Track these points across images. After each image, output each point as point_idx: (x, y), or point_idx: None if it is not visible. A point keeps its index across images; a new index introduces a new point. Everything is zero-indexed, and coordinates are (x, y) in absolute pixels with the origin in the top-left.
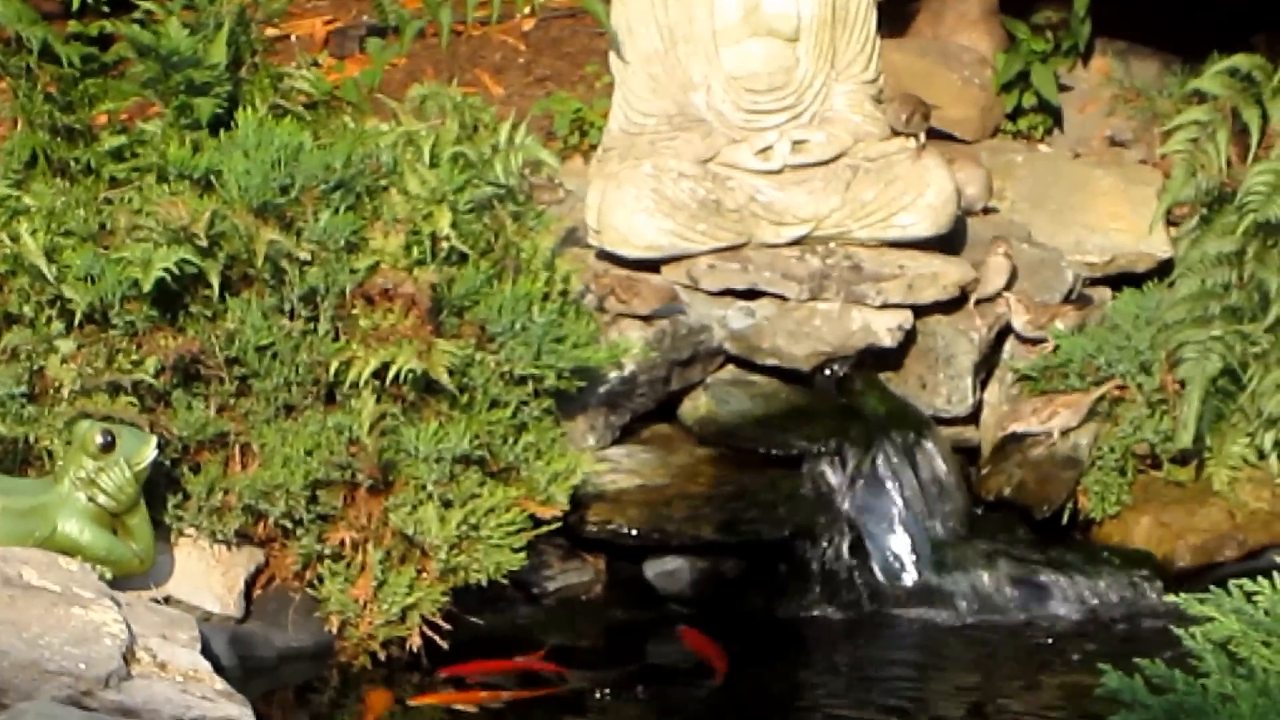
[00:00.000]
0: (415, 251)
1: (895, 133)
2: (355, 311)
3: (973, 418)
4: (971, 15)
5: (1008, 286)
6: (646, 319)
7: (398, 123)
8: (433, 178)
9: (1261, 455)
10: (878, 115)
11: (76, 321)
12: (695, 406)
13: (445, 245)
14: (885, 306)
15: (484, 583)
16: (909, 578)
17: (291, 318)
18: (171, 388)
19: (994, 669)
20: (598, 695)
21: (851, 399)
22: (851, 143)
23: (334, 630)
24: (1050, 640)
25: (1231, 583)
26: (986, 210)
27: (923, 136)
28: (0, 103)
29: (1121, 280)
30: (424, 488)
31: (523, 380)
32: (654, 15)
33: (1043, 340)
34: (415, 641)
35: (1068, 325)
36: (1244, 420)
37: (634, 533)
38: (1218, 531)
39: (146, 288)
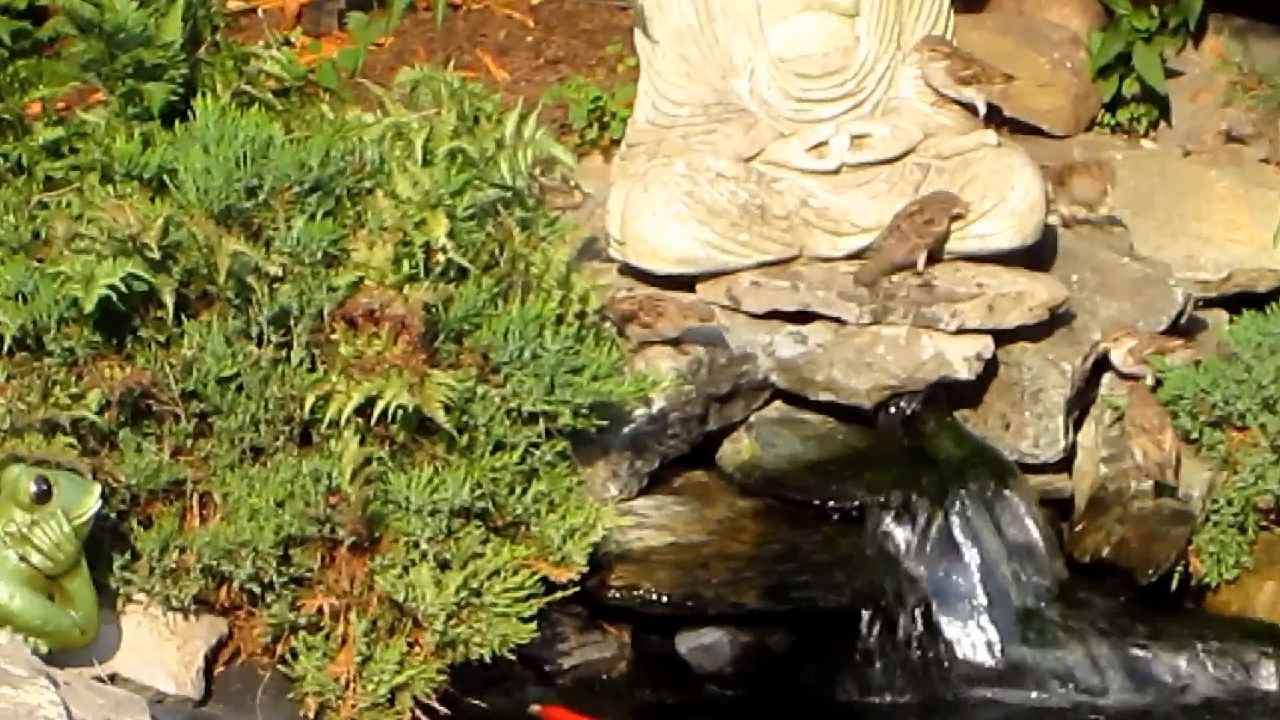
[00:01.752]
0: (406, 266)
1: (941, 95)
2: (335, 336)
3: (1065, 464)
4: None
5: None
6: (676, 343)
7: (384, 113)
8: (426, 178)
9: None
10: (951, 105)
11: (6, 348)
12: (737, 450)
13: (441, 258)
14: (961, 332)
15: (487, 659)
16: (991, 654)
17: (260, 344)
18: (118, 426)
19: None
20: None
21: (922, 441)
22: (921, 137)
23: (310, 715)
24: None
25: None
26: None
27: (982, 107)
28: None
29: (1240, 301)
30: (416, 546)
31: (533, 418)
32: None
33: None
34: None
35: (1179, 362)
36: None
37: (665, 599)
38: None
39: (88, 308)
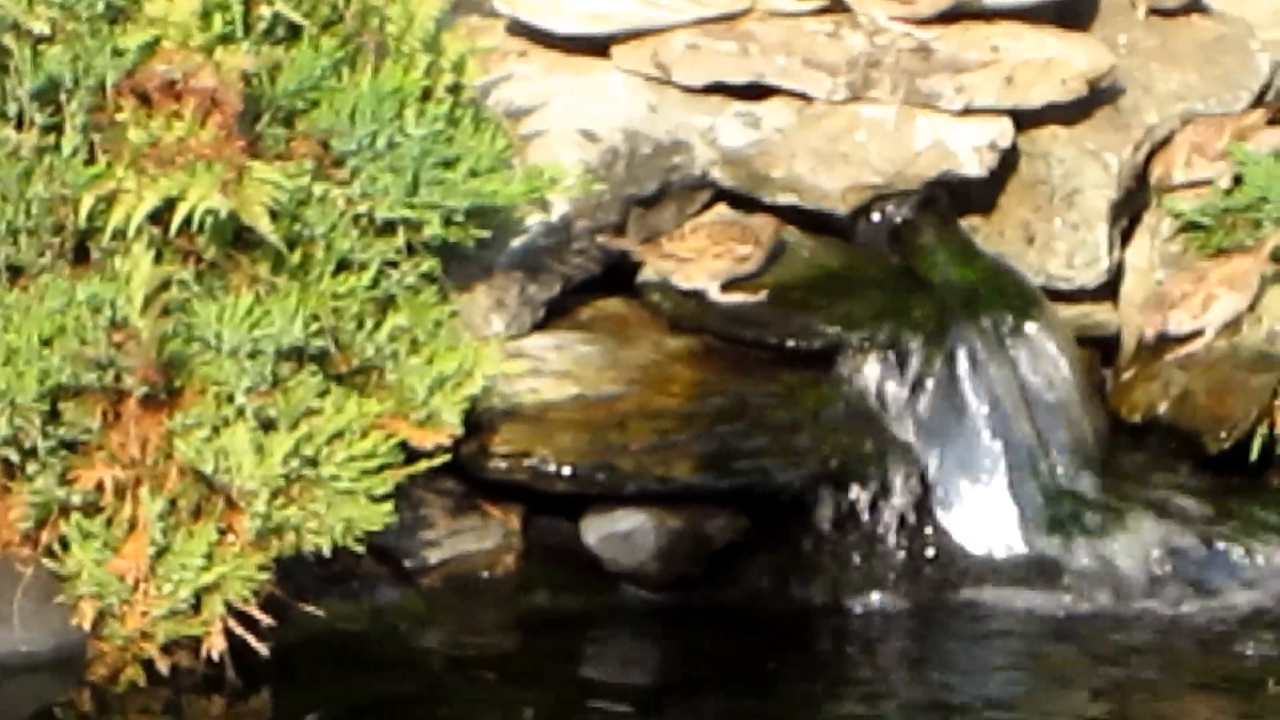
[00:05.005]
0: (217, 21)
1: None
2: (122, 117)
3: (1109, 290)
4: None
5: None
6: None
7: None
8: None
9: None
10: None
11: None
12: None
13: (265, 11)
14: (969, 112)
15: (326, 551)
16: (1006, 546)
17: (19, 126)
18: None
19: (1136, 682)
20: None
21: (915, 260)
22: None
23: (85, 624)
24: (1222, 639)
25: None
26: None
27: None
28: None
29: None
30: (230, 399)
31: (389, 228)
32: None
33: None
34: (216, 645)
35: (1260, 149)
36: None
37: (567, 472)
38: None
39: None
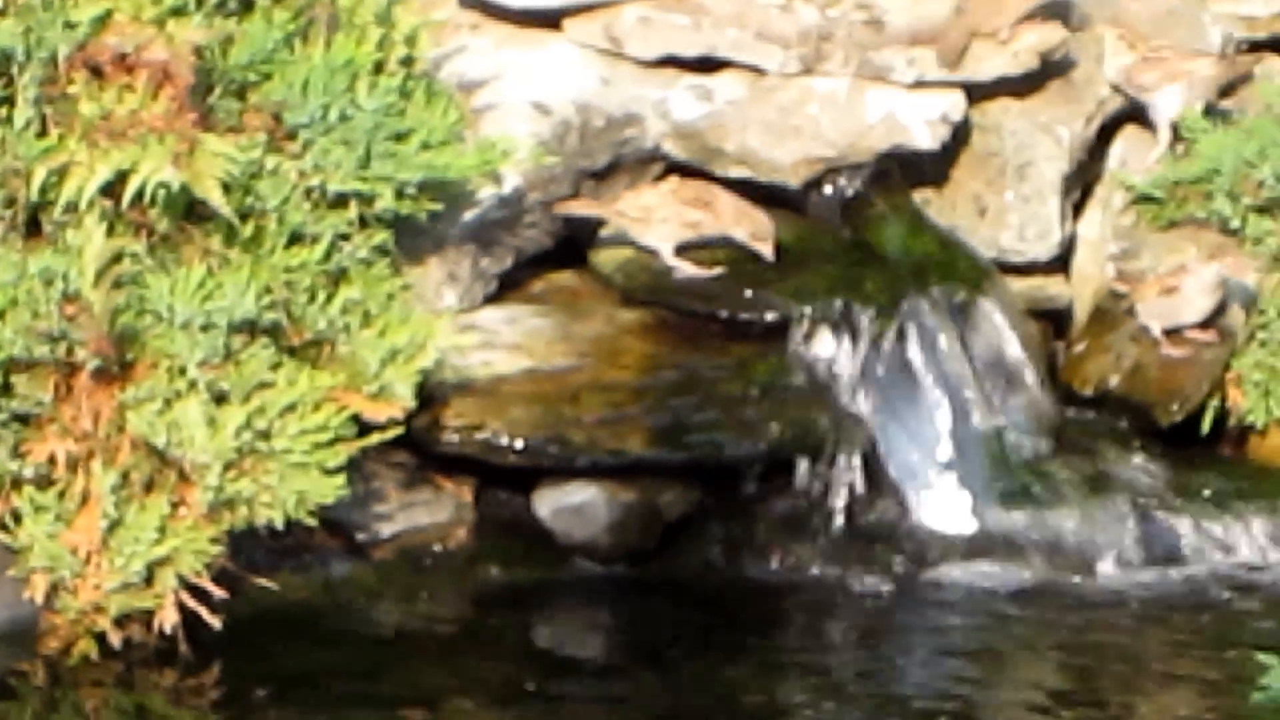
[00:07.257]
0: None
1: None
2: (74, 90)
3: (1060, 263)
4: None
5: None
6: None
7: None
8: None
9: None
10: None
11: None
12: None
13: None
14: (922, 85)
15: (279, 524)
16: (958, 519)
17: None
18: None
19: (1089, 656)
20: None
21: (867, 233)
22: None
23: (38, 598)
24: (1177, 612)
25: None
26: None
27: None
28: None
29: None
30: (183, 372)
31: (342, 201)
32: None
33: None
34: (168, 618)
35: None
36: None
37: (519, 445)
38: None
39: None
